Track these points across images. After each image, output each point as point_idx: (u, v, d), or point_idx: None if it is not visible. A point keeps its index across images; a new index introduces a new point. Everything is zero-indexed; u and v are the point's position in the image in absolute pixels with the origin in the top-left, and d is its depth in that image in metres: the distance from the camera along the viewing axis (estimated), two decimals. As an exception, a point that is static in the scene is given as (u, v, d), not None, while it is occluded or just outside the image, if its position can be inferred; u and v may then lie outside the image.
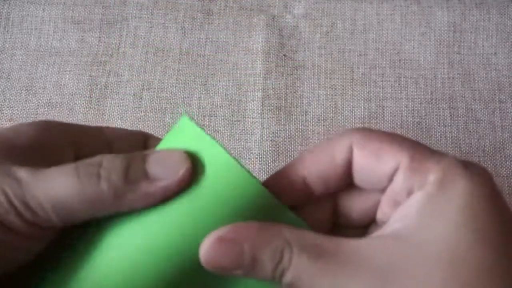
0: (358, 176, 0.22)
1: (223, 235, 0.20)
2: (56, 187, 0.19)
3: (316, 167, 0.22)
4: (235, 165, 0.20)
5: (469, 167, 0.20)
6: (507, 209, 0.20)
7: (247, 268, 0.20)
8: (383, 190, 0.21)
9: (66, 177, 0.20)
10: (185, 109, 0.22)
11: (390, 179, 0.21)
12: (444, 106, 0.41)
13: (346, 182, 0.22)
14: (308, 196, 0.22)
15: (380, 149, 0.21)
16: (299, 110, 0.41)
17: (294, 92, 0.41)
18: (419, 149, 0.21)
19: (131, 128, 0.40)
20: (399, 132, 0.40)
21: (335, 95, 0.41)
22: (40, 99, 0.41)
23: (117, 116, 0.41)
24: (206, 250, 0.20)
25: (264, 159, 0.39)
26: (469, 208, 0.19)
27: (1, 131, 0.22)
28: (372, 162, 0.21)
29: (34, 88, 0.42)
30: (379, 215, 0.22)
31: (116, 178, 0.20)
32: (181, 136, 0.23)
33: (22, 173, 0.20)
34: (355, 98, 0.41)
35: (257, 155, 0.39)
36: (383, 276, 0.18)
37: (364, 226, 0.24)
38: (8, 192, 0.19)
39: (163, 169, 0.20)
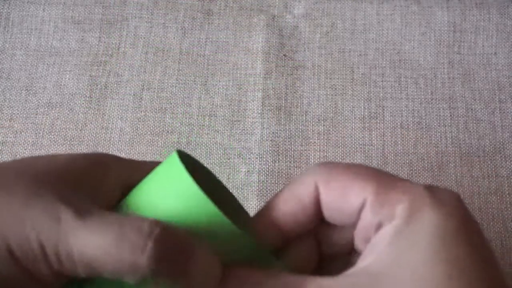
0: (327, 213, 0.22)
1: None
2: (92, 246, 0.18)
3: (285, 210, 0.22)
4: (215, 211, 0.19)
5: (436, 194, 0.20)
6: (479, 234, 0.19)
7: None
8: (353, 225, 0.21)
9: (107, 237, 0.18)
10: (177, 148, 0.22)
11: (359, 215, 0.20)
12: (444, 106, 0.41)
13: (319, 218, 0.22)
14: (285, 238, 0.22)
15: (344, 186, 0.20)
16: (299, 110, 0.41)
17: (294, 92, 0.41)
18: (383, 181, 0.20)
19: (131, 128, 0.40)
20: (399, 132, 0.40)
21: (335, 95, 0.41)
22: (40, 99, 0.41)
23: (117, 116, 0.41)
24: None
25: (264, 159, 0.39)
26: (439, 239, 0.18)
27: (57, 156, 0.21)
28: (338, 200, 0.21)
29: (34, 88, 0.42)
30: (356, 246, 0.22)
31: (160, 256, 0.18)
32: (166, 174, 0.22)
33: (64, 214, 0.18)
34: (355, 98, 0.41)
35: (257, 155, 0.39)
36: None
37: (349, 253, 0.23)
38: (42, 240, 0.18)
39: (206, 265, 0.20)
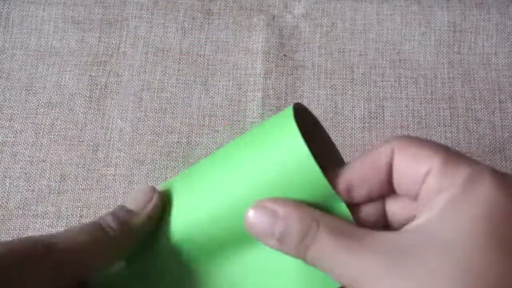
0: (397, 179, 0.23)
1: (263, 203, 0.23)
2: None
3: (361, 171, 0.24)
4: (310, 158, 0.22)
5: (499, 174, 0.21)
6: None
7: (277, 237, 0.22)
8: (415, 197, 0.23)
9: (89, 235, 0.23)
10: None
11: (423, 181, 0.22)
12: (444, 106, 0.41)
13: (389, 186, 0.24)
14: (357, 199, 0.24)
15: (417, 153, 0.22)
16: (299, 110, 0.41)
17: (294, 92, 0.41)
18: (452, 155, 0.22)
19: (131, 128, 0.40)
20: (399, 132, 0.40)
21: (335, 95, 0.41)
22: (40, 99, 0.41)
23: (117, 116, 0.41)
24: (248, 214, 0.23)
25: (264, 159, 0.39)
26: (490, 216, 0.19)
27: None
28: (409, 165, 0.22)
29: (34, 88, 0.42)
30: (417, 212, 0.24)
31: (111, 222, 0.24)
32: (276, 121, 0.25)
33: None
34: (355, 98, 0.41)
35: (257, 155, 0.39)
36: (393, 258, 0.20)
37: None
38: None
39: (136, 204, 0.25)
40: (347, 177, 0.24)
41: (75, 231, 0.23)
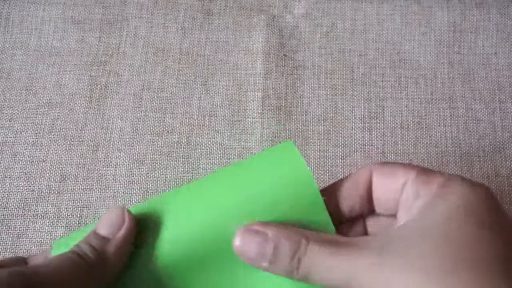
0: (376, 193, 0.25)
1: (250, 227, 0.23)
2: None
3: (343, 187, 0.26)
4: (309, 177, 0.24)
5: (472, 181, 0.23)
6: (506, 215, 0.22)
7: (269, 258, 0.23)
8: (394, 212, 0.25)
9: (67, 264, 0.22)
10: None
11: (401, 191, 0.24)
12: (444, 106, 0.41)
13: (368, 205, 0.26)
14: (339, 217, 0.26)
15: (393, 170, 0.25)
16: (299, 110, 0.41)
17: (294, 92, 0.41)
18: (425, 169, 0.24)
19: (131, 128, 0.40)
20: (399, 132, 0.40)
21: (335, 95, 0.41)
22: (40, 99, 0.41)
23: (117, 116, 0.41)
24: (236, 240, 0.23)
25: (264, 159, 0.39)
26: (464, 207, 0.21)
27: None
28: (387, 179, 0.25)
29: (34, 88, 0.42)
30: (398, 218, 0.25)
31: (87, 251, 0.23)
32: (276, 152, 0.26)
33: None
34: (355, 98, 0.41)
35: (257, 155, 0.39)
36: (380, 248, 0.21)
37: None
38: None
39: (108, 229, 0.25)
40: (333, 192, 0.26)
41: (57, 264, 0.23)
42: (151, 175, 0.39)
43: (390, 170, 0.25)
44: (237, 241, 0.23)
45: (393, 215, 0.25)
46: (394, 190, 0.24)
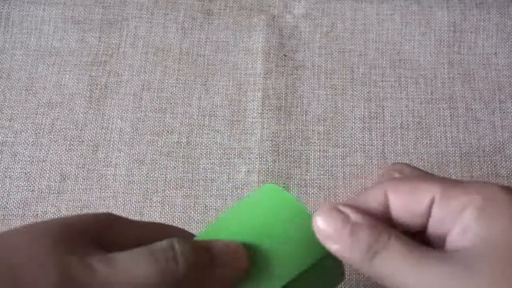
0: (397, 218, 0.23)
1: (334, 205, 0.22)
2: (134, 274, 0.19)
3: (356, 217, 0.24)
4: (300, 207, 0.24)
5: (500, 185, 0.22)
6: None
7: (344, 241, 0.21)
8: (422, 226, 0.23)
9: (144, 262, 0.20)
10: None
11: (429, 212, 0.22)
12: (444, 106, 0.41)
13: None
14: None
15: (412, 188, 0.23)
16: (299, 110, 0.41)
17: (294, 92, 0.41)
18: (448, 181, 0.22)
19: (131, 128, 0.40)
20: (399, 132, 0.40)
21: (335, 95, 0.41)
22: (40, 99, 0.41)
23: (117, 116, 0.41)
24: (317, 217, 0.22)
25: (264, 159, 0.39)
26: None
27: (66, 218, 0.22)
28: (407, 201, 0.22)
29: (34, 88, 0.42)
30: (431, 243, 0.24)
31: (190, 262, 0.21)
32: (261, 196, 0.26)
33: (96, 262, 0.19)
34: (355, 98, 0.41)
35: (257, 155, 0.39)
36: (464, 266, 0.20)
37: None
38: None
39: (226, 258, 0.23)
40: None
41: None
42: (151, 175, 0.39)
43: (408, 189, 0.23)
44: (317, 219, 0.22)
45: (413, 231, 0.24)
46: (420, 213, 0.22)
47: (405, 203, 0.22)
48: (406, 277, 0.20)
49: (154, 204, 0.38)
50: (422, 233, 0.23)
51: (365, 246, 0.21)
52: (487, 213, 0.21)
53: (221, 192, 0.38)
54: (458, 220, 0.21)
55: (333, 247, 0.22)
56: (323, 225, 0.22)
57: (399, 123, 0.40)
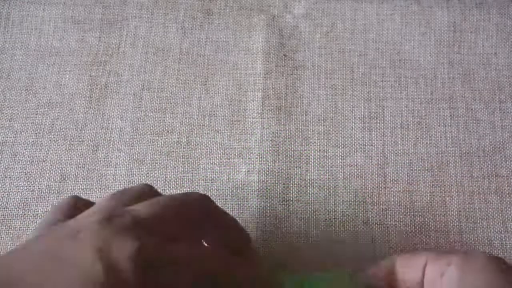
0: (400, 275, 0.28)
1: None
2: None
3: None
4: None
5: (487, 254, 0.26)
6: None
7: None
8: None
9: None
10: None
11: (423, 271, 0.27)
12: (444, 106, 0.41)
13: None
14: None
15: (413, 255, 0.28)
16: (299, 110, 0.41)
17: (294, 92, 0.41)
18: (439, 251, 0.27)
19: (131, 128, 0.40)
20: (399, 132, 0.40)
21: (335, 95, 0.41)
22: (40, 99, 0.41)
23: (117, 116, 0.41)
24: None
25: (264, 159, 0.39)
26: (493, 273, 0.24)
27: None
28: (409, 261, 0.28)
29: (34, 88, 0.42)
30: None
31: None
32: None
33: None
34: (355, 98, 0.41)
35: (257, 155, 0.39)
36: None
37: None
38: None
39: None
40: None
41: None
42: (151, 175, 0.39)
43: (411, 255, 0.28)
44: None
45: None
46: (417, 268, 0.27)
47: (408, 263, 0.28)
48: None
49: (154, 204, 0.38)
50: None
51: None
52: (466, 269, 0.25)
53: (221, 192, 0.38)
54: (443, 277, 0.25)
55: None
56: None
57: (399, 123, 0.40)
